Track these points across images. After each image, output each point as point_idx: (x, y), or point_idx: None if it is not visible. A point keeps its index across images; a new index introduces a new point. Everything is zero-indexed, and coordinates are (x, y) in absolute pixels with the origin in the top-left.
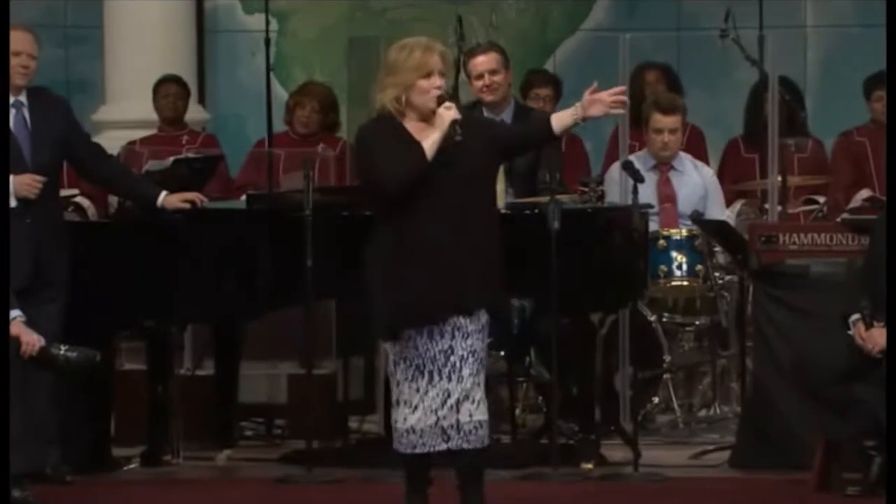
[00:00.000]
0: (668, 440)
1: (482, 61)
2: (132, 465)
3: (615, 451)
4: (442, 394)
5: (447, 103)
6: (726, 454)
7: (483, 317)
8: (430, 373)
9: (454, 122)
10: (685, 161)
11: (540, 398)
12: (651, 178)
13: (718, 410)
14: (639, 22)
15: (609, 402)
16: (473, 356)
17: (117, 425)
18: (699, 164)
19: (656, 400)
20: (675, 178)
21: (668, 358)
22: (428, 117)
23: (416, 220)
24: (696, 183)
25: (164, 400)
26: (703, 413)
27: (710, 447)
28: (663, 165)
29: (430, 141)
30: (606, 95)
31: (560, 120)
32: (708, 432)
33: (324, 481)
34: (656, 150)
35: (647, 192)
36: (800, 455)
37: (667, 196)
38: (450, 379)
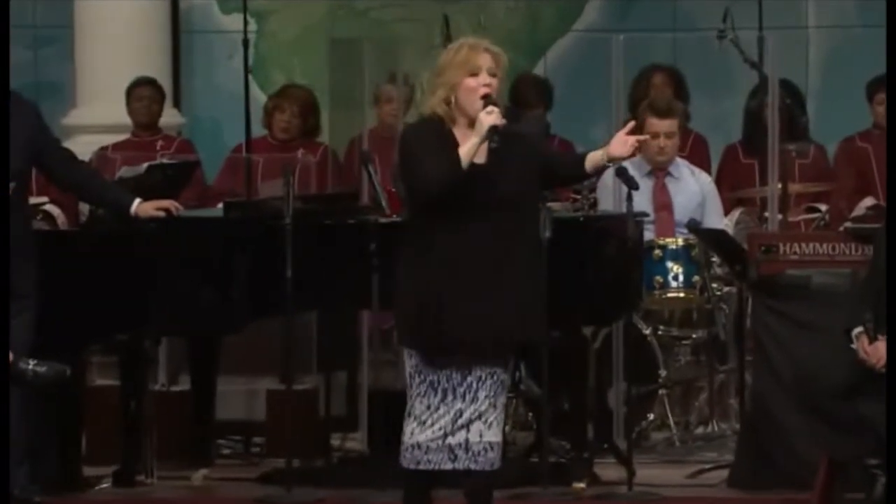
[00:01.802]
0: (664, 458)
1: None
2: (104, 485)
3: (609, 470)
4: (454, 413)
5: (489, 107)
6: (725, 473)
7: None
8: (445, 391)
9: (493, 128)
10: (682, 167)
11: (530, 414)
12: (646, 185)
13: (716, 427)
14: (633, 22)
15: (602, 418)
16: (492, 378)
17: (88, 443)
18: (696, 170)
19: (651, 416)
20: (671, 185)
21: (663, 373)
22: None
23: (446, 239)
24: (693, 190)
25: (138, 417)
26: (700, 430)
27: (708, 466)
28: (659, 171)
29: (466, 147)
30: (633, 138)
31: (592, 160)
32: (705, 450)
33: (304, 501)
34: (652, 156)
35: (642, 200)
36: (801, 474)
37: (662, 204)
38: (464, 399)
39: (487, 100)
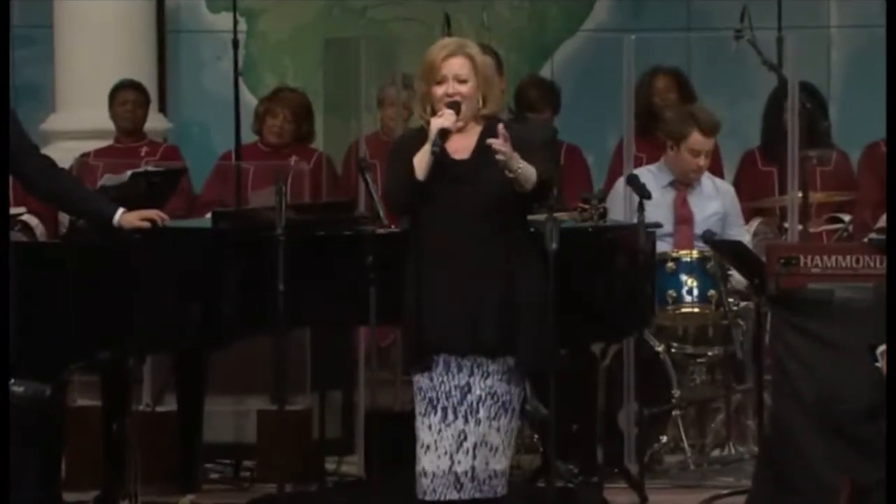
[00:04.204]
0: (678, 483)
1: None
2: None
3: (619, 496)
4: (458, 435)
5: (443, 110)
6: (742, 499)
7: (510, 359)
8: (444, 409)
9: (441, 131)
10: (705, 179)
11: (536, 437)
12: (667, 196)
13: (733, 451)
14: (645, 21)
15: (612, 441)
16: (493, 398)
17: (69, 467)
18: (719, 182)
19: (664, 439)
20: (693, 199)
21: (677, 392)
22: (461, 129)
23: (427, 241)
24: (716, 204)
25: (121, 439)
26: (716, 453)
27: (724, 491)
28: (681, 184)
29: (419, 155)
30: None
31: None
32: (721, 475)
33: None
34: (688, 171)
35: (662, 211)
36: (823, 500)
37: (683, 217)
38: (466, 420)
39: (450, 105)
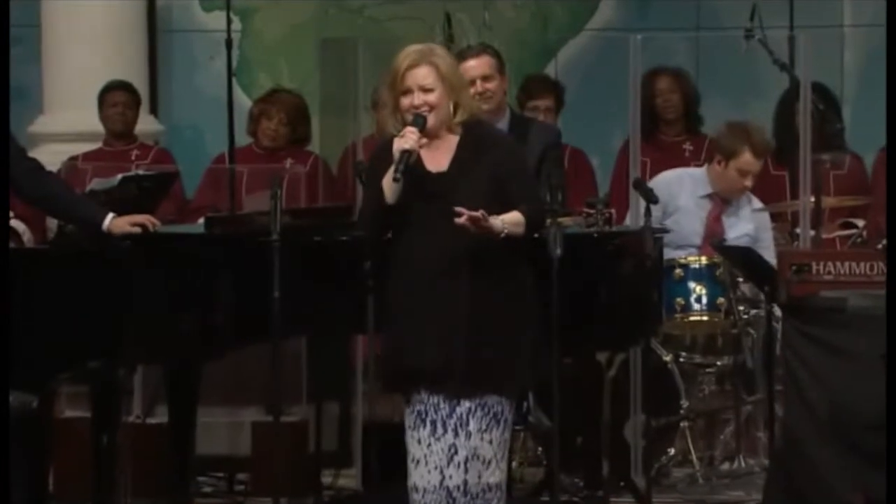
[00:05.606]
0: (686, 497)
1: (473, 66)
2: None
3: None
4: (448, 449)
5: (406, 128)
6: None
7: None
8: (434, 423)
9: (403, 153)
10: (744, 200)
11: (540, 449)
12: (701, 208)
13: (743, 463)
14: (652, 21)
15: (618, 453)
16: (483, 409)
17: (56, 481)
18: (757, 204)
19: (672, 451)
20: (728, 217)
21: (685, 403)
22: (433, 137)
23: (404, 262)
24: (749, 226)
25: (111, 451)
26: (725, 466)
27: None
28: (721, 199)
29: (386, 177)
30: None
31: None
32: (731, 488)
33: None
34: (732, 189)
35: (693, 222)
36: None
37: (714, 233)
38: (456, 433)
39: (415, 120)
